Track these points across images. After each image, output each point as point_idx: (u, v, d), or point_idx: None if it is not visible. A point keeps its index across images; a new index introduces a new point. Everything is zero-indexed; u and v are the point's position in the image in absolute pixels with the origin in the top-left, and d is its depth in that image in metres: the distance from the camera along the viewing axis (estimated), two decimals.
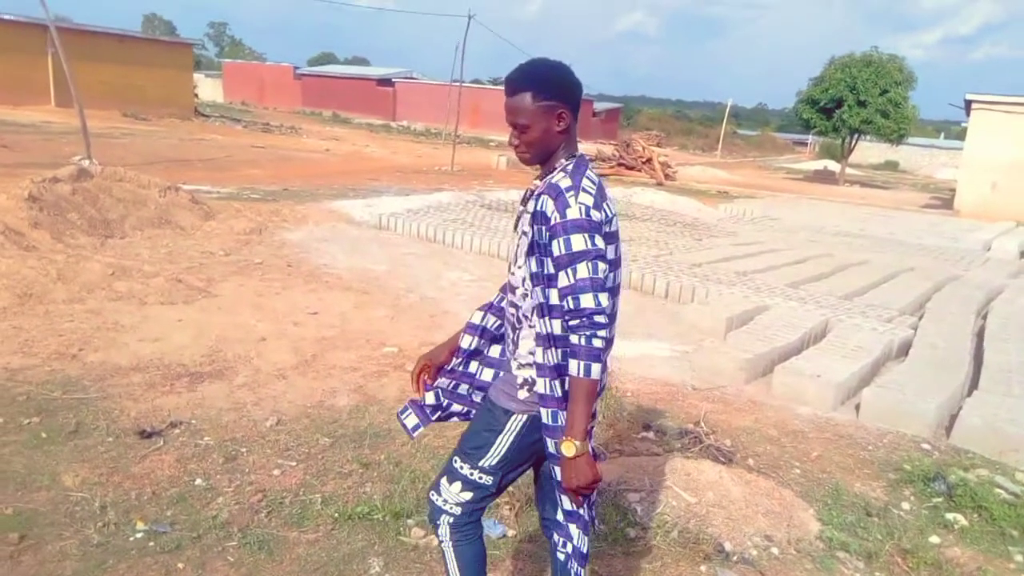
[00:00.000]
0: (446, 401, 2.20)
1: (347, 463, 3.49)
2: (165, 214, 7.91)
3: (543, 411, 1.90)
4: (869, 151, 50.36)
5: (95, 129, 12.97)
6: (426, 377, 2.23)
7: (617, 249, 1.93)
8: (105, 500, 2.98)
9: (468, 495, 2.04)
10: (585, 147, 27.64)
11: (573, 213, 1.77)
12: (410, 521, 3.04)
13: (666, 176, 23.31)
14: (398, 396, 4.37)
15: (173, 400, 3.97)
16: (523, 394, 1.96)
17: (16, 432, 3.45)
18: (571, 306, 1.76)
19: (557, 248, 1.78)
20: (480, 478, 2.02)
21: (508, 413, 1.99)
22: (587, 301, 1.74)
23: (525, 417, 1.97)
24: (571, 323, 1.77)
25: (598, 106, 61.59)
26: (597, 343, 1.75)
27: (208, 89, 46.59)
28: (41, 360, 4.31)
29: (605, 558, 2.95)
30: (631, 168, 23.96)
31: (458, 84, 23.25)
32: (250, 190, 12.19)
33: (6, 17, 24.26)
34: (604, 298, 1.77)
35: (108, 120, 21.04)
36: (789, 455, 4.12)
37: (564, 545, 2.10)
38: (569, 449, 1.79)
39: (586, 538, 2.08)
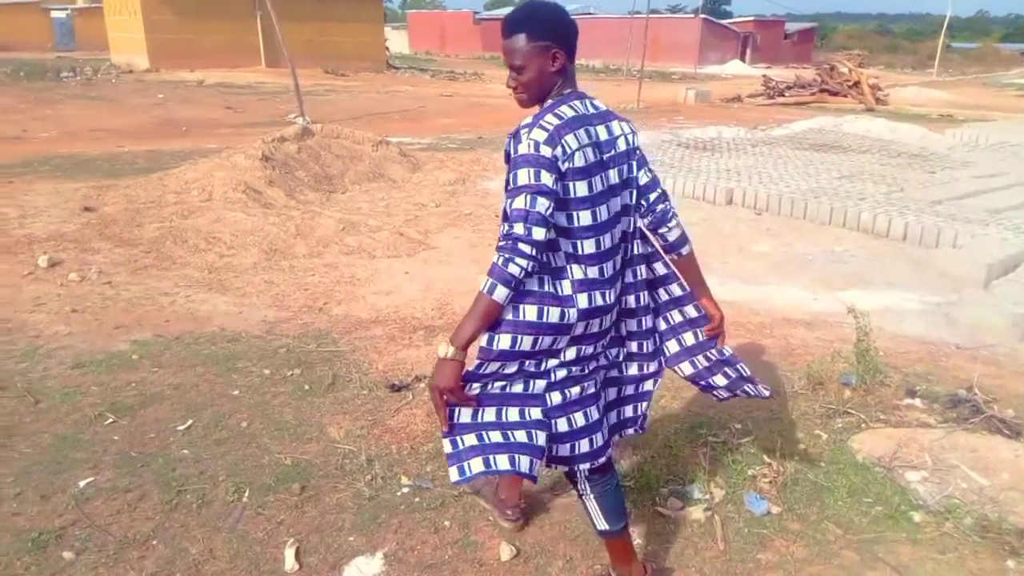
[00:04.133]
0: None
1: None
2: (378, 168, 8.25)
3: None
4: None
5: (302, 87, 13.80)
6: None
7: (593, 185, 1.90)
8: (370, 453, 3.12)
9: None
10: (778, 72, 25.63)
11: (523, 148, 1.81)
12: (664, 491, 2.91)
13: (877, 100, 21.11)
14: None
15: (413, 353, 4.10)
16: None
17: (283, 384, 3.72)
18: (505, 231, 1.80)
19: (509, 181, 1.82)
20: None
21: None
22: (518, 228, 1.76)
23: None
24: (500, 244, 1.80)
25: (789, 27, 56.88)
26: (513, 268, 1.76)
27: (395, 41, 48.33)
28: (293, 313, 4.62)
29: (888, 544, 2.65)
30: (835, 94, 21.96)
31: (641, 16, 22.26)
32: (447, 140, 12.48)
33: None
34: (539, 232, 1.76)
35: (312, 78, 22.43)
36: None
37: None
38: (442, 349, 1.81)
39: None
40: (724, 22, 50.40)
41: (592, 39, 46.26)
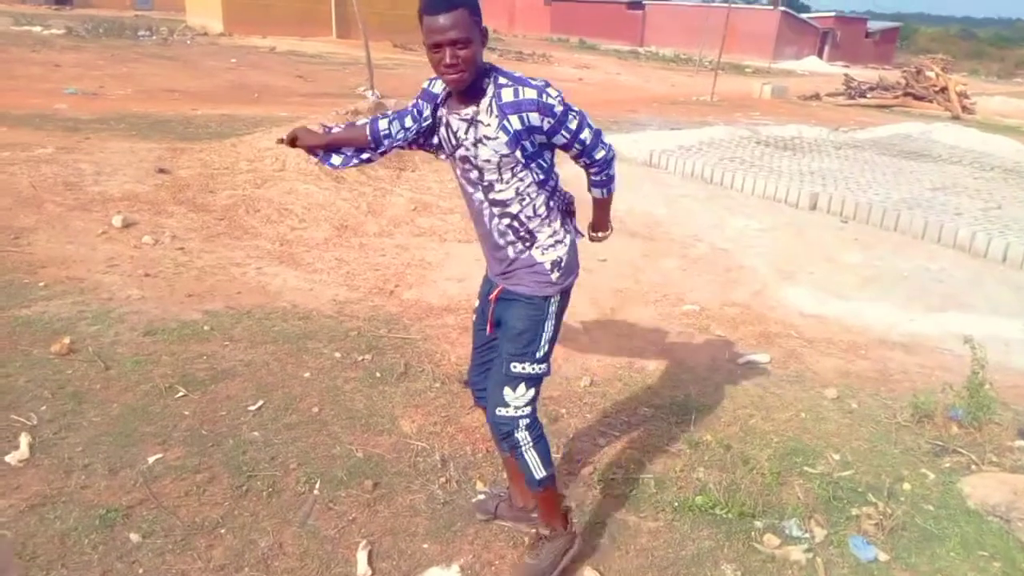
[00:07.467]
0: None
1: (673, 441, 3.21)
2: None
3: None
4: None
5: (372, 60, 13.68)
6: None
7: None
8: (444, 453, 2.97)
9: (532, 391, 2.22)
10: (858, 72, 24.52)
11: (556, 102, 1.98)
12: (758, 524, 2.69)
13: (963, 108, 20.06)
14: (709, 364, 4.01)
15: None
16: (555, 275, 2.19)
17: (353, 369, 3.59)
18: (593, 159, 2.15)
19: (569, 131, 2.03)
20: (538, 369, 2.21)
21: (547, 299, 2.19)
22: (599, 154, 2.15)
23: (558, 295, 2.21)
24: (594, 171, 2.22)
25: (872, 25, 54.76)
26: (612, 170, 2.26)
27: None
28: (363, 294, 4.50)
29: None
30: (920, 98, 20.93)
31: (719, 4, 21.55)
32: None
33: None
34: (606, 138, 2.17)
35: (381, 51, 22.33)
36: None
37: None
38: (605, 236, 2.52)
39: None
40: (804, 16, 48.76)
41: (665, 26, 45.30)
